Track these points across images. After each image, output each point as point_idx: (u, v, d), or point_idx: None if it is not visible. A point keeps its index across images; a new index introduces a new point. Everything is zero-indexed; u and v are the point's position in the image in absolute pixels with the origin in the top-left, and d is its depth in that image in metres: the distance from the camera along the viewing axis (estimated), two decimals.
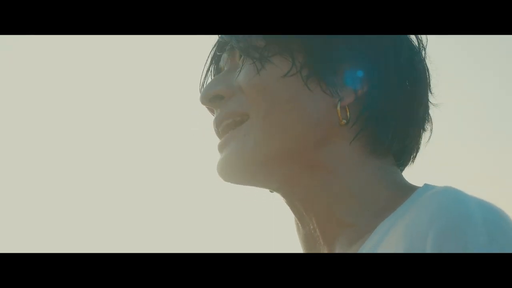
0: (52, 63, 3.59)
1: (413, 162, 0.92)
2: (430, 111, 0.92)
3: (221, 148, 0.87)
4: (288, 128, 0.82)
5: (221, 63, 0.92)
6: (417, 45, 0.89)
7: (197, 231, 3.22)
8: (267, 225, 3.13)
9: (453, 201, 0.70)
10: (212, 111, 0.91)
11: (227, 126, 0.86)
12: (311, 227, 0.87)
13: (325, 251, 0.86)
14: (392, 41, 0.86)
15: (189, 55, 3.30)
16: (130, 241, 3.25)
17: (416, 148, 0.91)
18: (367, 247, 0.79)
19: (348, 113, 0.83)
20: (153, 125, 3.43)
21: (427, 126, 0.91)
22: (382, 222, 0.79)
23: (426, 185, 0.82)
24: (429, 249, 0.67)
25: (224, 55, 0.91)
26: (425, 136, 0.92)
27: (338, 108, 0.82)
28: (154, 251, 0.89)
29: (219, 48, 0.91)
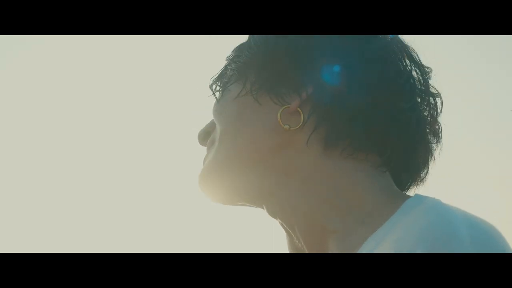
0: (52, 63, 3.59)
1: (411, 168, 0.90)
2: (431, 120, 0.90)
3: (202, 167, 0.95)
4: (239, 140, 0.88)
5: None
6: (393, 46, 0.89)
7: (197, 231, 3.22)
8: (267, 225, 3.13)
9: (441, 221, 0.70)
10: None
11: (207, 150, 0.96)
12: (295, 238, 0.88)
13: None
14: (352, 40, 0.87)
15: (189, 55, 3.30)
16: (130, 241, 3.25)
17: (411, 156, 0.89)
18: None
19: (301, 116, 0.86)
20: (153, 125, 3.43)
21: (422, 133, 0.88)
22: (373, 234, 0.78)
23: (416, 196, 0.81)
24: None
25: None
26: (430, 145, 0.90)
27: (278, 115, 0.86)
28: (154, 251, 0.89)
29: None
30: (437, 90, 0.91)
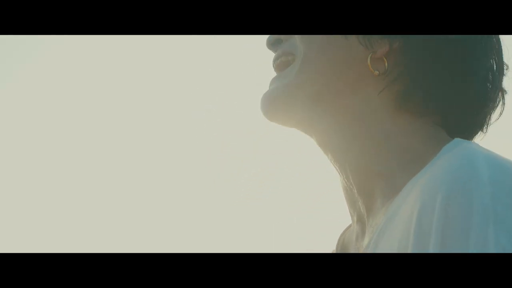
0: (53, 63, 3.60)
1: (473, 135, 0.93)
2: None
3: (269, 86, 0.95)
4: (320, 70, 0.89)
5: None
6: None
7: (197, 231, 3.23)
8: (267, 225, 3.13)
9: (463, 162, 0.72)
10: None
11: (280, 64, 0.94)
12: (344, 177, 0.91)
13: (361, 203, 0.90)
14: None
15: (189, 55, 3.30)
16: (130, 241, 3.25)
17: (475, 123, 0.92)
18: (392, 208, 0.81)
19: (386, 65, 0.88)
20: (154, 125, 3.43)
21: (491, 103, 0.92)
22: (411, 179, 0.81)
23: (454, 141, 0.83)
24: (437, 210, 0.69)
25: None
26: (494, 113, 0.93)
27: (369, 59, 0.87)
28: (154, 251, 0.89)
29: None
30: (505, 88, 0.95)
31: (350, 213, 0.94)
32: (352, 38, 0.89)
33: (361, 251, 0.88)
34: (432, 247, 0.69)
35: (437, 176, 0.73)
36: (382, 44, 0.88)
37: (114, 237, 3.29)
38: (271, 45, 0.97)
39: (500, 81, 0.92)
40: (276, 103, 0.92)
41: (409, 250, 0.71)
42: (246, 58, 3.25)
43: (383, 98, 0.88)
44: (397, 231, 0.76)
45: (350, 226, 0.99)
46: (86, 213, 3.38)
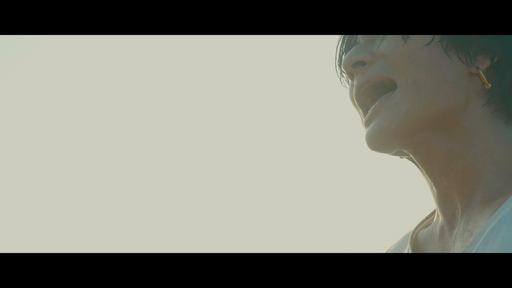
0: (53, 63, 3.59)
1: None
2: None
3: (371, 117, 0.93)
4: (434, 93, 0.90)
5: (358, 37, 0.99)
6: None
7: (197, 231, 3.23)
8: (266, 225, 3.13)
9: None
10: (351, 76, 0.97)
11: (368, 89, 0.94)
12: (446, 184, 0.94)
13: (459, 209, 0.92)
14: None
15: (190, 55, 3.30)
16: (130, 241, 3.25)
17: None
18: (501, 214, 0.85)
19: (483, 79, 0.91)
20: (154, 125, 3.43)
21: None
22: None
23: None
24: None
25: (360, 38, 0.98)
26: None
27: (481, 73, 0.90)
28: (154, 251, 0.89)
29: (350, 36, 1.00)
30: None
31: (438, 213, 0.97)
32: (454, 57, 0.91)
33: (452, 250, 0.91)
34: None
35: None
36: (482, 59, 0.91)
37: (114, 237, 3.29)
38: (351, 66, 0.95)
39: None
40: (389, 138, 0.91)
41: None
42: (246, 58, 3.25)
43: (485, 111, 0.92)
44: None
45: (421, 224, 1.02)
46: (87, 213, 3.38)
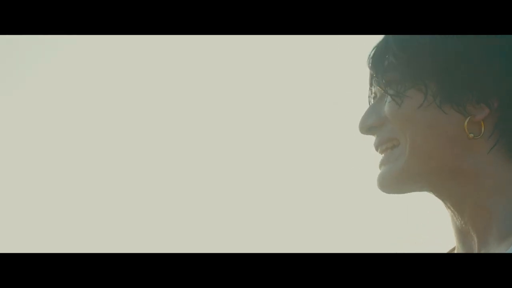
0: (54, 63, 3.60)
1: None
2: None
3: (380, 166, 1.03)
4: (430, 152, 0.96)
5: (373, 99, 1.07)
6: None
7: (197, 231, 3.23)
8: (266, 225, 3.13)
9: None
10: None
11: (385, 149, 1.02)
12: (462, 222, 0.99)
13: (476, 245, 0.97)
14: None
15: (190, 55, 3.30)
16: (130, 241, 3.25)
17: None
18: None
19: (482, 127, 0.95)
20: (154, 125, 3.43)
21: None
22: None
23: None
24: None
25: (373, 88, 1.06)
26: None
27: (465, 124, 0.94)
28: (154, 251, 0.89)
29: (369, 79, 1.06)
30: None
31: (457, 248, 1.02)
32: (451, 111, 0.94)
33: None
34: None
35: None
36: (479, 108, 0.94)
37: (114, 237, 3.29)
38: (366, 132, 1.03)
39: None
40: (396, 183, 1.00)
41: None
42: (245, 58, 3.25)
43: (493, 155, 0.96)
44: None
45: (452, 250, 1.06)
46: (87, 213, 3.38)
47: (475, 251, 0.97)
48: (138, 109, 3.48)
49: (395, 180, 1.00)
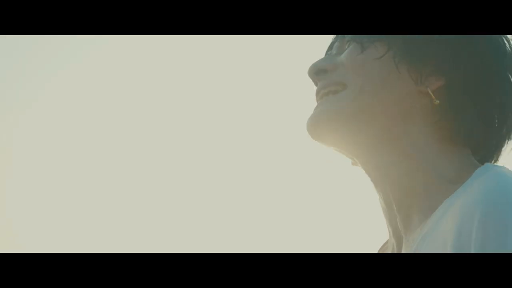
0: (53, 63, 3.60)
1: (495, 161, 1.00)
2: None
3: (315, 107, 1.00)
4: (375, 102, 0.95)
5: (333, 50, 1.05)
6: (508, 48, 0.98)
7: (197, 231, 3.23)
8: (265, 225, 3.13)
9: (497, 186, 0.82)
10: (315, 83, 1.02)
11: (324, 95, 0.99)
12: (385, 193, 0.97)
13: (399, 220, 0.96)
14: (478, 42, 0.95)
15: (191, 55, 3.30)
16: (130, 241, 3.25)
17: (499, 151, 1.00)
18: (429, 225, 0.89)
19: (433, 99, 0.94)
20: (154, 125, 3.43)
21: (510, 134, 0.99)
22: (444, 201, 0.89)
23: (486, 165, 0.91)
24: (475, 228, 0.79)
25: (336, 43, 1.04)
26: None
27: (430, 92, 0.94)
28: (154, 251, 0.89)
29: (334, 39, 1.05)
30: None
31: (388, 229, 1.00)
32: (405, 74, 0.95)
33: None
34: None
35: (473, 198, 0.82)
36: (434, 80, 0.94)
37: (114, 237, 3.30)
38: (314, 74, 1.01)
39: None
40: (329, 125, 0.97)
41: None
42: (245, 58, 3.25)
43: (429, 129, 0.95)
44: (436, 244, 0.84)
45: (387, 242, 1.04)
46: (88, 213, 3.38)
47: (402, 231, 0.95)
48: (138, 109, 3.48)
49: (332, 119, 0.96)
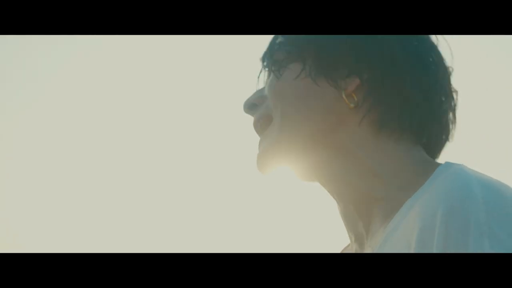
0: (54, 63, 3.60)
1: (442, 145, 1.01)
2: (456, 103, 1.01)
3: (258, 147, 1.02)
4: (300, 123, 0.96)
5: (260, 83, 1.07)
6: (429, 41, 1.00)
7: (197, 231, 3.23)
8: (266, 225, 3.14)
9: (459, 184, 0.83)
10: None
11: (260, 128, 1.02)
12: (344, 205, 0.98)
13: (361, 226, 0.96)
14: (384, 36, 0.97)
15: (191, 55, 3.31)
16: (130, 241, 3.26)
17: (442, 133, 1.00)
18: (392, 225, 0.89)
19: (355, 99, 0.95)
20: (154, 125, 3.44)
21: (451, 115, 1.00)
22: (406, 201, 0.89)
23: (445, 164, 0.92)
24: (437, 226, 0.79)
25: (261, 76, 1.07)
26: (455, 124, 1.01)
27: (344, 96, 0.95)
28: (154, 251, 0.89)
29: (259, 72, 1.07)
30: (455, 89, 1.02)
31: (349, 235, 1.00)
32: (324, 84, 0.96)
33: None
34: None
35: (435, 196, 0.83)
36: (350, 81, 0.95)
37: (114, 237, 3.30)
38: (248, 110, 1.04)
39: (450, 86, 1.00)
40: (267, 164, 1.00)
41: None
42: (245, 58, 3.25)
43: (365, 130, 0.96)
44: (399, 244, 0.85)
45: (348, 245, 1.04)
46: (88, 213, 3.38)
47: (364, 237, 0.96)
48: (138, 109, 3.48)
49: (270, 156, 0.99)
